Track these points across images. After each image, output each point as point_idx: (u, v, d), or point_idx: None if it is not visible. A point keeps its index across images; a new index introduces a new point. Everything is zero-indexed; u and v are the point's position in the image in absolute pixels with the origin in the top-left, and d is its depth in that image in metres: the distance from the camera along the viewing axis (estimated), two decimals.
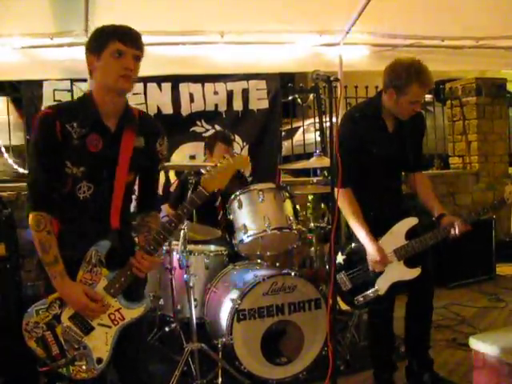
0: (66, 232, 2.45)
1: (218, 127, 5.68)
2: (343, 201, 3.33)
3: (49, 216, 2.38)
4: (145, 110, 4.91)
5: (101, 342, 2.43)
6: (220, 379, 3.63)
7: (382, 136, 3.47)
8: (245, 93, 5.81)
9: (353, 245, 3.50)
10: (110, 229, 2.49)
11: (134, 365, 2.60)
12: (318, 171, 4.54)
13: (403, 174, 3.71)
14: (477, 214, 3.40)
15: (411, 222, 3.45)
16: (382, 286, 3.40)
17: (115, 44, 2.35)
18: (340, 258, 3.49)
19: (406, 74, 3.26)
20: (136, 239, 2.66)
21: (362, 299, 3.42)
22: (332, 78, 2.63)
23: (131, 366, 2.60)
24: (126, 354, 2.54)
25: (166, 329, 4.17)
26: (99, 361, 2.42)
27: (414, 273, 3.39)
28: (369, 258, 3.38)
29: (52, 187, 2.40)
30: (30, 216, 2.37)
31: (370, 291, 3.41)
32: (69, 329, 2.41)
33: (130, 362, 2.59)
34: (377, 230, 3.41)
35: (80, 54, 4.82)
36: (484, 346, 3.02)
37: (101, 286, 2.42)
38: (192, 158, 4.03)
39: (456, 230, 3.36)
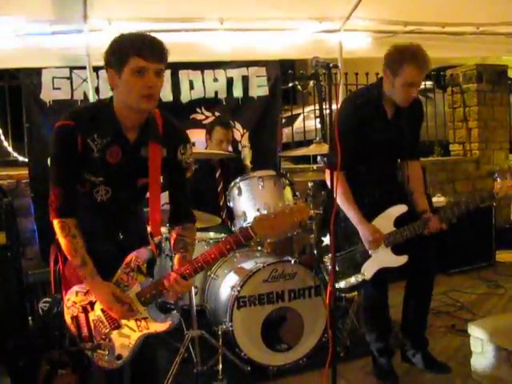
0: (88, 229, 2.49)
1: (218, 114, 5.66)
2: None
3: (72, 220, 2.41)
4: None
5: (124, 342, 2.49)
6: (220, 366, 3.64)
7: (381, 122, 3.46)
8: (245, 80, 5.77)
9: (342, 228, 3.51)
10: (151, 238, 2.55)
11: (142, 346, 2.62)
12: (319, 158, 4.53)
13: (399, 161, 3.72)
14: (466, 206, 3.40)
15: (400, 209, 3.45)
16: (368, 270, 3.41)
17: (135, 60, 2.23)
18: (329, 241, 3.49)
19: (400, 55, 3.27)
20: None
21: (342, 285, 3.43)
22: (331, 65, 2.63)
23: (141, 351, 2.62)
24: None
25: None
26: (119, 357, 2.49)
27: (401, 260, 3.40)
28: (363, 238, 3.39)
29: (73, 194, 2.44)
30: (54, 223, 2.42)
31: (355, 276, 3.42)
32: (99, 318, 2.49)
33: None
34: (370, 216, 3.42)
35: (79, 41, 4.91)
36: (482, 332, 3.05)
37: (134, 290, 2.46)
38: (192, 145, 4.01)
39: (430, 229, 3.39)
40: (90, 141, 2.36)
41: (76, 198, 2.45)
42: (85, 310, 2.50)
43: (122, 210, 2.54)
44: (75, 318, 2.51)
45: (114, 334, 2.48)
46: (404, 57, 3.25)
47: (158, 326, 2.48)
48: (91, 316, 2.49)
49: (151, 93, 2.30)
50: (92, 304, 2.49)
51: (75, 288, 2.51)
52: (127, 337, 2.48)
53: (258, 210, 2.41)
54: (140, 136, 2.46)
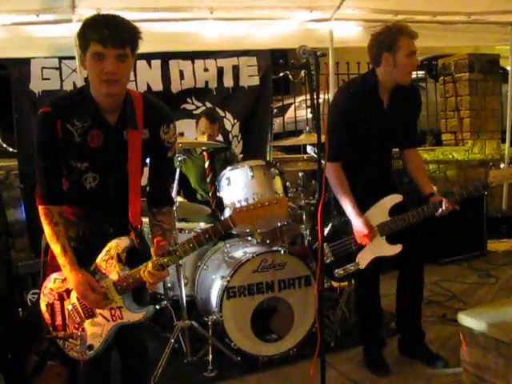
0: (78, 217, 2.49)
1: (208, 104, 5.65)
2: (331, 174, 3.34)
3: (56, 207, 2.43)
4: (135, 88, 4.88)
5: (97, 331, 2.47)
6: (210, 356, 3.65)
7: (377, 111, 3.46)
8: (235, 69, 5.76)
9: (336, 218, 3.51)
10: (131, 227, 2.51)
11: (130, 336, 2.63)
12: (308, 148, 4.51)
13: (397, 150, 3.71)
14: (459, 196, 3.40)
15: (396, 198, 3.46)
16: (362, 260, 3.43)
17: (94, 45, 2.21)
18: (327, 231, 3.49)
19: (389, 31, 3.33)
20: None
21: (342, 272, 3.44)
22: (319, 54, 2.60)
23: (128, 337, 2.62)
24: (126, 330, 2.54)
25: (157, 307, 4.16)
26: (90, 347, 2.47)
27: (395, 249, 3.41)
28: (355, 231, 3.39)
29: (59, 182, 2.44)
30: (39, 209, 2.43)
31: (351, 264, 3.43)
32: (74, 307, 2.48)
33: (127, 332, 2.58)
34: (363, 205, 3.42)
35: (67, 30, 4.87)
36: (471, 322, 3.04)
37: (111, 278, 2.44)
38: (181, 135, 4.00)
39: (443, 209, 3.37)
40: (69, 125, 2.35)
41: (61, 186, 2.44)
42: (61, 298, 2.49)
43: (112, 198, 2.50)
44: (50, 306, 2.51)
45: (87, 323, 2.47)
46: (394, 32, 3.31)
47: (132, 316, 2.46)
48: (66, 304, 2.48)
49: (110, 78, 2.27)
50: (68, 292, 2.48)
51: (54, 275, 2.51)
52: (100, 326, 2.46)
53: (239, 201, 2.41)
54: (120, 119, 2.43)
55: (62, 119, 2.34)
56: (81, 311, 2.47)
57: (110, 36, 2.21)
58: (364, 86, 3.48)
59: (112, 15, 2.29)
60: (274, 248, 3.88)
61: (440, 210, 3.38)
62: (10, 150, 6.41)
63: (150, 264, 2.39)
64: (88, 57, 2.26)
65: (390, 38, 3.31)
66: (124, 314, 2.45)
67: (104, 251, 2.45)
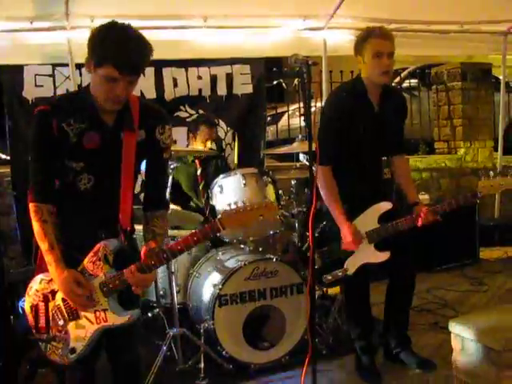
0: (69, 220, 2.47)
1: (202, 112, 5.66)
2: (320, 177, 3.35)
3: (47, 206, 2.42)
4: None
5: (80, 334, 2.44)
6: (202, 364, 3.64)
7: (368, 115, 3.48)
8: (229, 77, 5.78)
9: (324, 223, 3.51)
10: (121, 228, 2.50)
11: (123, 347, 2.62)
12: (301, 156, 4.52)
13: (385, 157, 3.72)
14: (449, 205, 3.41)
15: (385, 206, 3.47)
16: (350, 266, 3.44)
17: (109, 69, 2.22)
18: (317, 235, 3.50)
19: (362, 35, 3.45)
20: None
21: (330, 277, 3.45)
22: (310, 62, 2.62)
23: (121, 348, 2.62)
24: (116, 335, 2.53)
25: (149, 314, 4.17)
26: (72, 351, 2.45)
27: (384, 256, 3.44)
28: (342, 236, 3.40)
29: (51, 180, 2.43)
30: (30, 206, 2.43)
31: (339, 270, 3.44)
32: (58, 308, 2.45)
33: (119, 343, 2.60)
34: (353, 211, 3.43)
35: (61, 38, 4.88)
36: (463, 329, 3.06)
37: (98, 280, 2.42)
38: (173, 143, 4.01)
39: (424, 220, 3.39)
40: (65, 125, 2.35)
41: (53, 185, 2.44)
42: (45, 299, 2.47)
43: (105, 200, 2.48)
44: (34, 307, 2.48)
45: (71, 326, 2.44)
46: (365, 34, 3.41)
47: (117, 319, 2.43)
48: (51, 305, 2.46)
49: (118, 99, 2.32)
50: (54, 293, 2.46)
51: (40, 276, 2.49)
52: (84, 329, 2.43)
53: (228, 204, 2.41)
54: (117, 120, 2.43)
55: (58, 119, 2.34)
56: (65, 313, 2.45)
57: (127, 63, 2.23)
58: (355, 89, 3.51)
59: (133, 34, 2.27)
60: (267, 256, 3.88)
61: (420, 220, 3.39)
62: (3, 156, 6.40)
63: (132, 266, 2.38)
64: (99, 73, 2.26)
65: (360, 40, 3.42)
66: (109, 316, 2.43)
67: (91, 253, 2.43)
